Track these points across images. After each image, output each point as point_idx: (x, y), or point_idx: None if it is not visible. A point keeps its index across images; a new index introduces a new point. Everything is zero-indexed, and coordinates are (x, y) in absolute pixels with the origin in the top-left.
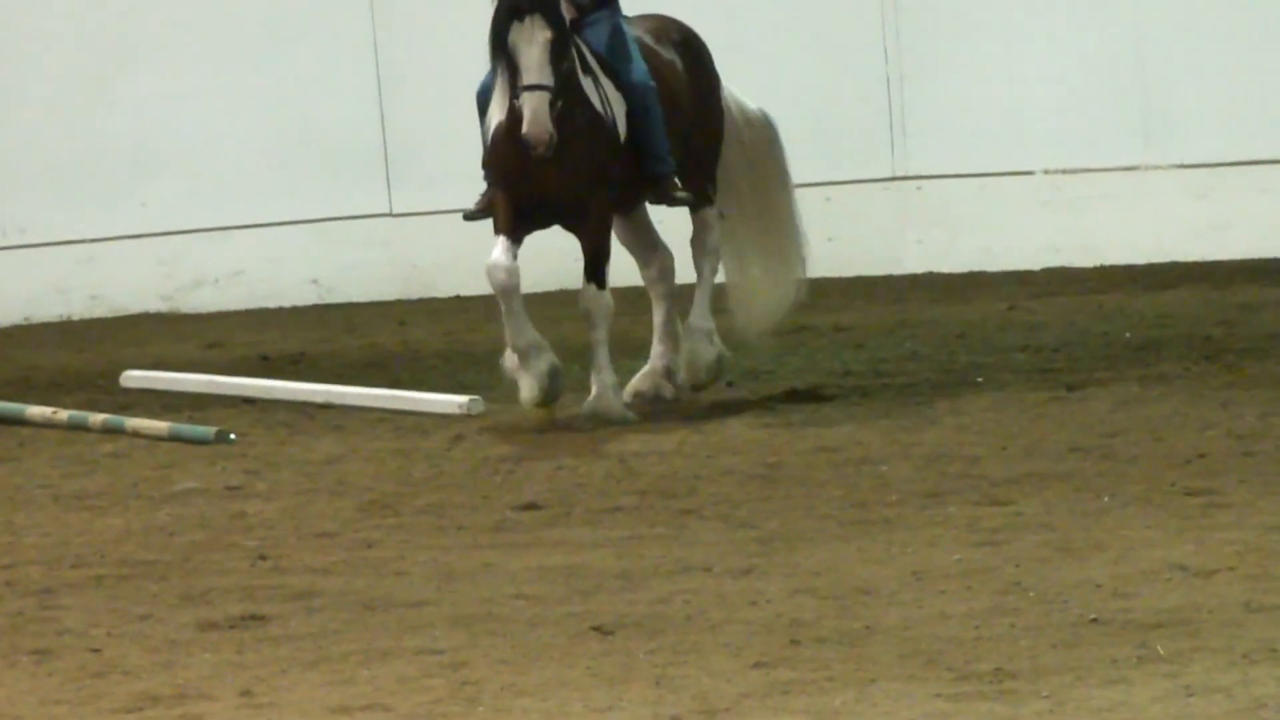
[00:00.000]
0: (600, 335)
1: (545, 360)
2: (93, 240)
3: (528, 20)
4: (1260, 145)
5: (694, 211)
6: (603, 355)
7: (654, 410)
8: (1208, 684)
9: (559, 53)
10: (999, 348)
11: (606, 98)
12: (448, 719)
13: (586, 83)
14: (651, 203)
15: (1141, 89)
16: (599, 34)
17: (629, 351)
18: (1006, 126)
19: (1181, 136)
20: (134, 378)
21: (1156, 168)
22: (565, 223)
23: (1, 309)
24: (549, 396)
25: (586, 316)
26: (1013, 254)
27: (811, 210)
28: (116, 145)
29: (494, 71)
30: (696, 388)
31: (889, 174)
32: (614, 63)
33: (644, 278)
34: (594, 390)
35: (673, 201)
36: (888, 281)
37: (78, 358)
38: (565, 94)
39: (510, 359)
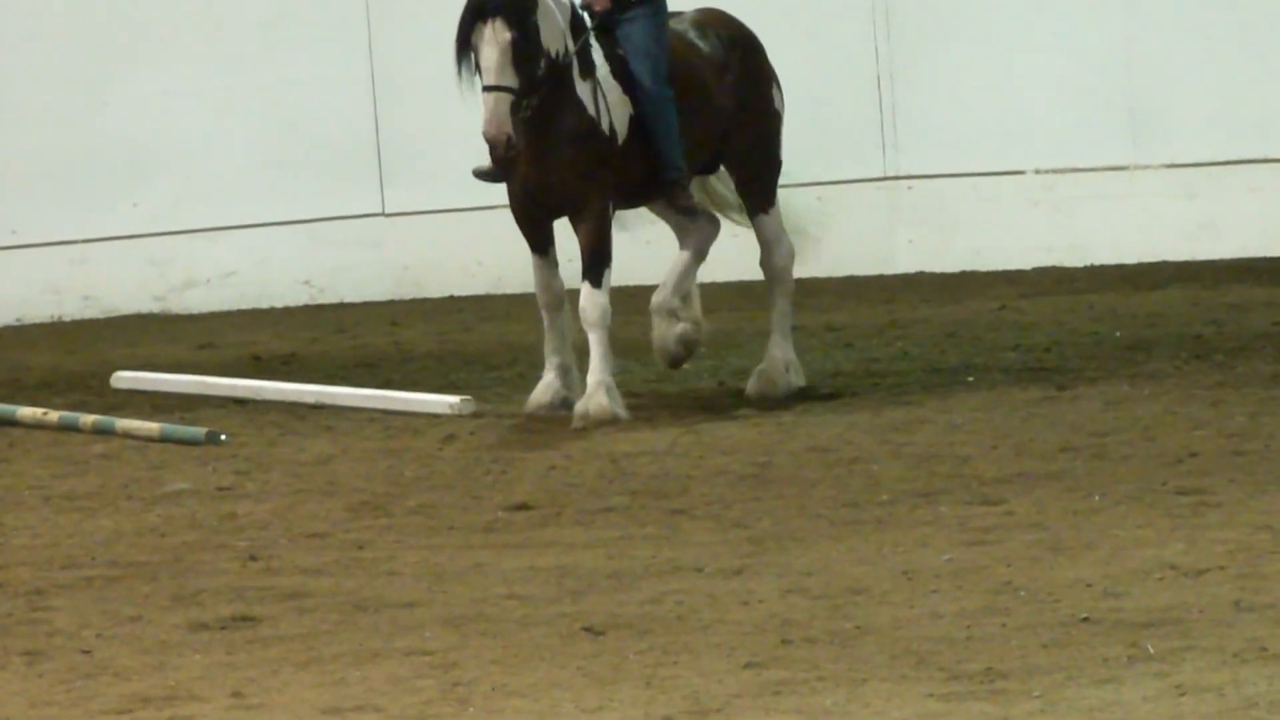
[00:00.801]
0: (597, 336)
1: (558, 382)
2: (85, 241)
3: (490, 22)
4: (1249, 145)
5: (751, 221)
6: (597, 356)
7: (646, 410)
8: (1199, 683)
9: (522, 54)
10: (990, 347)
11: (607, 102)
12: (439, 719)
13: (584, 86)
14: (661, 208)
15: (1131, 89)
16: (634, 31)
17: (626, 352)
18: (998, 126)
19: (1171, 136)
20: (125, 378)
21: (1146, 168)
22: (567, 214)
23: None
24: (545, 410)
25: (582, 317)
26: (1004, 253)
27: (804, 210)
28: (109, 146)
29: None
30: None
31: (880, 174)
32: (635, 63)
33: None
34: (588, 389)
35: (677, 207)
36: (879, 281)
37: (69, 358)
38: (551, 96)
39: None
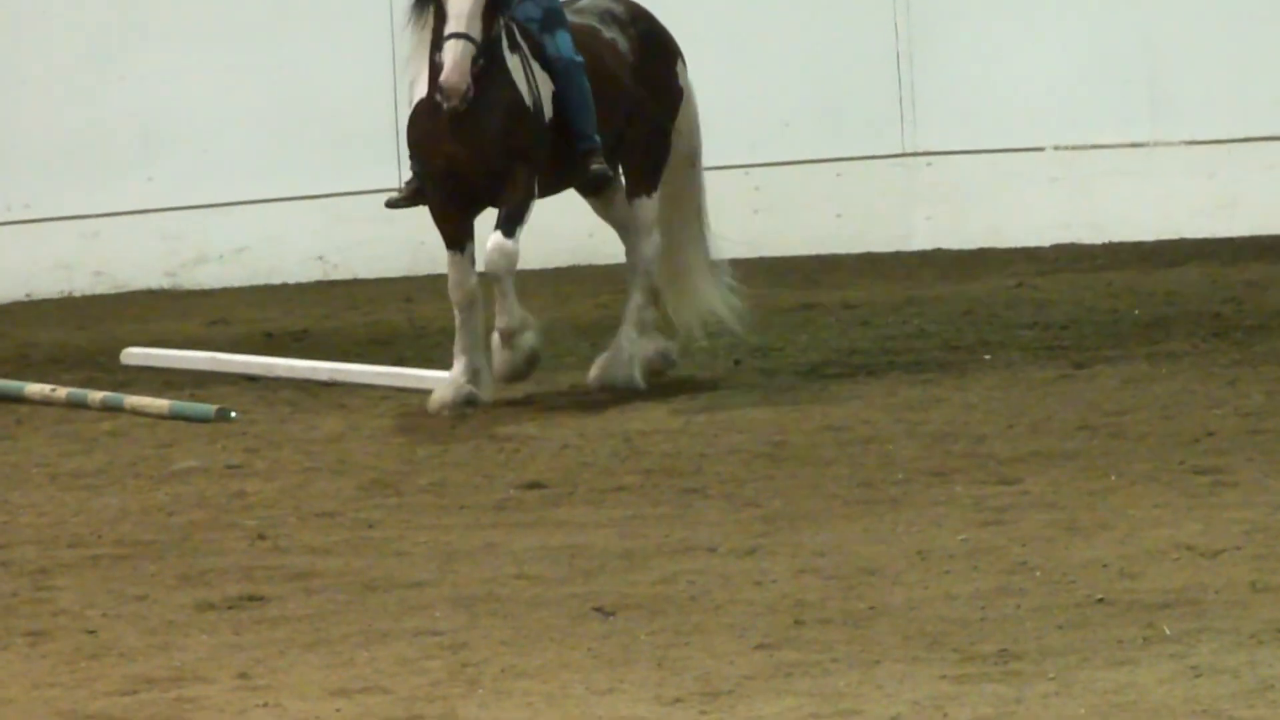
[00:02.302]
0: (507, 284)
1: (465, 381)
2: (97, 216)
3: None
4: (1269, 122)
5: (630, 202)
6: (509, 301)
7: (659, 388)
8: (1215, 665)
9: (491, 8)
10: (1007, 325)
11: (534, 78)
12: (447, 701)
13: (513, 60)
14: (574, 185)
15: (1150, 65)
16: (530, 9)
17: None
18: (1016, 102)
19: (1189, 113)
20: (135, 355)
21: (1165, 144)
22: (490, 202)
23: (3, 284)
24: (449, 408)
25: (490, 264)
26: (1021, 230)
27: (821, 186)
28: (122, 120)
29: (413, 34)
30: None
31: (898, 150)
32: (541, 37)
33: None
34: (516, 341)
35: (588, 175)
36: (896, 258)
37: (79, 334)
38: (489, 64)
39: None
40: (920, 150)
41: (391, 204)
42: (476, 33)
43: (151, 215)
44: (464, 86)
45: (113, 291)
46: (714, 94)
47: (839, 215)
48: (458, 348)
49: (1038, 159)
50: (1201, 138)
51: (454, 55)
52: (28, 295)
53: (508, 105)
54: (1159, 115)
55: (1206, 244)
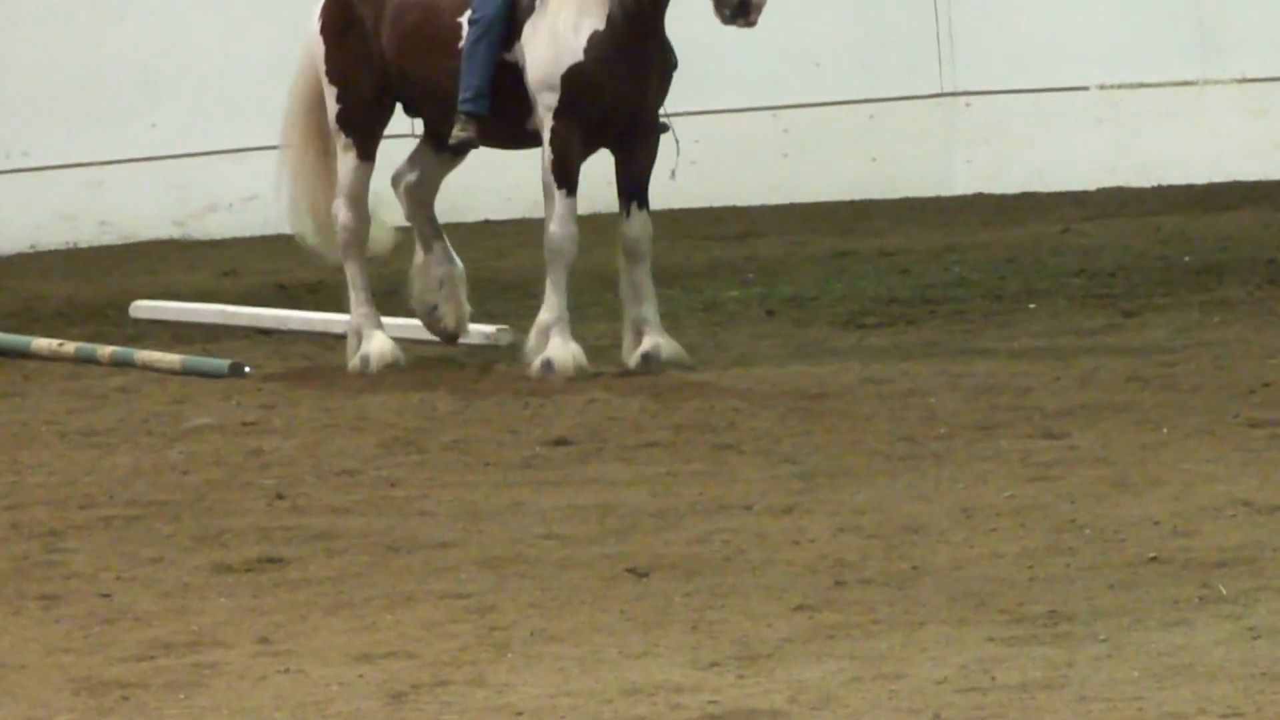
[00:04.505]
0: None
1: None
2: (100, 163)
3: None
4: None
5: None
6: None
7: (689, 342)
8: (1273, 625)
9: None
10: (1052, 272)
11: None
12: (475, 666)
13: None
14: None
15: (1198, 1)
16: None
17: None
18: (1059, 39)
19: (1241, 50)
20: (144, 308)
21: (1215, 82)
22: (617, 140)
23: (5, 236)
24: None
25: (639, 245)
26: (1066, 174)
27: (855, 128)
28: (124, 63)
29: None
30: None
31: (936, 90)
32: None
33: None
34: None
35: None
36: (935, 203)
37: (86, 287)
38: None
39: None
40: (959, 90)
41: (456, 142)
42: None
43: (157, 163)
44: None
45: (119, 242)
46: (737, 31)
47: (874, 159)
48: (556, 305)
49: (1083, 98)
50: (1254, 75)
51: None
52: (32, 247)
53: (668, 51)
54: (1208, 52)
55: (1260, 186)
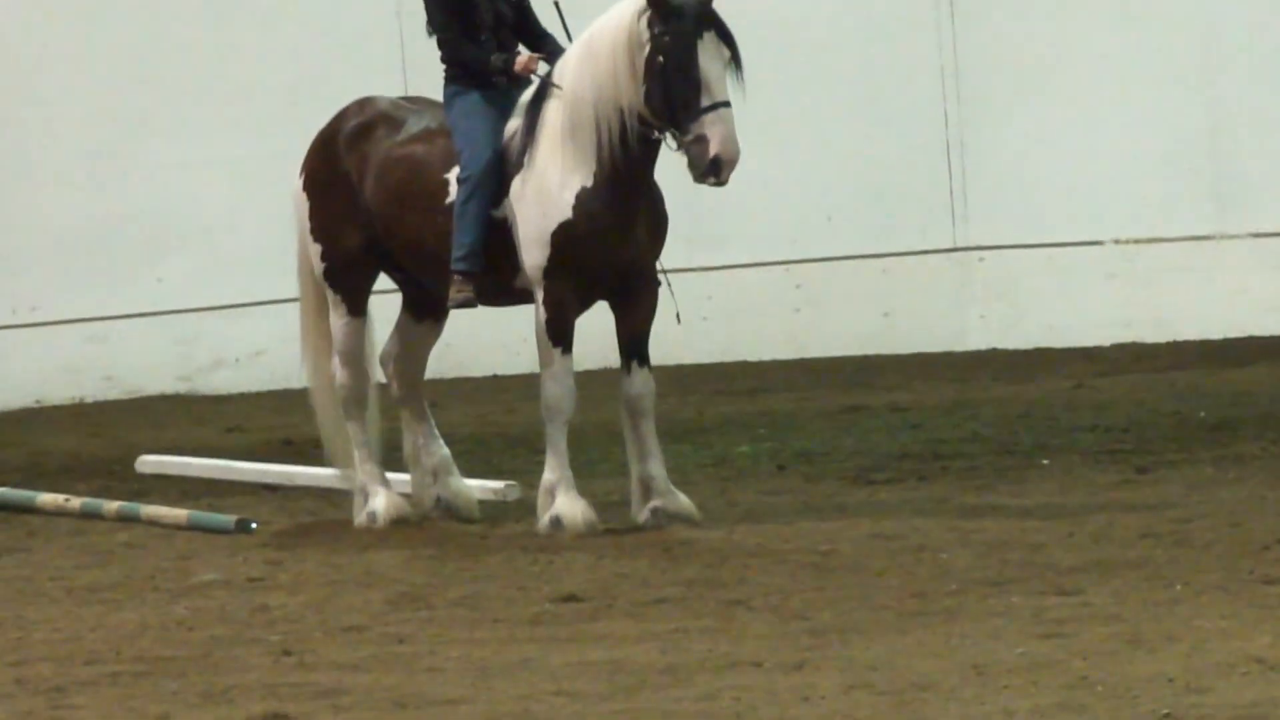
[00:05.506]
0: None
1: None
2: (106, 318)
3: (707, 36)
4: None
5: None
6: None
7: (700, 497)
8: None
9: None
10: (1065, 428)
11: None
12: None
13: None
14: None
15: (1215, 155)
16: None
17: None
18: (1073, 194)
19: (1257, 204)
20: (150, 463)
21: (1231, 237)
22: (613, 296)
23: (12, 390)
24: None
25: (640, 401)
26: (1080, 329)
27: (867, 283)
28: (130, 218)
29: (526, 132)
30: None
31: (950, 244)
32: None
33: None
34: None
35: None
36: (948, 358)
37: (91, 441)
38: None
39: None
40: (973, 245)
41: (455, 304)
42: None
43: (162, 317)
44: (738, 157)
45: (125, 397)
46: (753, 186)
47: (886, 314)
48: (558, 465)
49: (1097, 253)
50: (1269, 229)
51: (731, 125)
52: (37, 401)
53: (659, 203)
54: (1225, 207)
55: (1275, 341)
